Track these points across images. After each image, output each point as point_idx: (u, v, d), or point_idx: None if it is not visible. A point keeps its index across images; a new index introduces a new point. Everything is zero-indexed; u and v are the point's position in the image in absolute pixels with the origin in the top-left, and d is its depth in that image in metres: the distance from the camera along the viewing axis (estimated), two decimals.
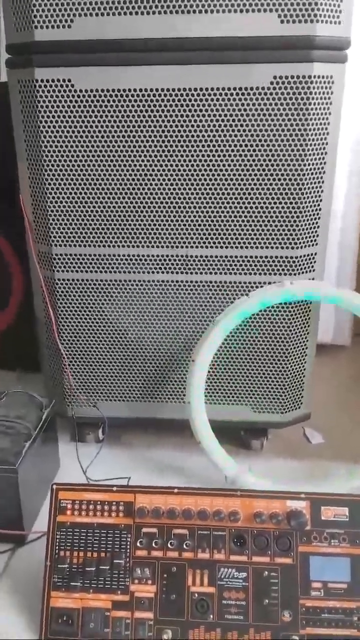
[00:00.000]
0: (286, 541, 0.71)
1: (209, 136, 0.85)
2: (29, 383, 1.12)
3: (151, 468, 1.03)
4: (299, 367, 1.00)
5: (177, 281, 0.94)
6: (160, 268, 0.94)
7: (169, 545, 0.71)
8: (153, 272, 0.94)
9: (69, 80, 0.84)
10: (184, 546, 0.71)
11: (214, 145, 0.86)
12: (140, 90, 0.84)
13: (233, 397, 1.01)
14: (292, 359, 0.98)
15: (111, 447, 1.08)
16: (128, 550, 0.71)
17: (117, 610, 0.69)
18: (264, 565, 0.70)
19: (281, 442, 1.11)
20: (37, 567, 0.73)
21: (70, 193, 0.90)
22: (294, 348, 0.98)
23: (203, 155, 0.86)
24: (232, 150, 0.86)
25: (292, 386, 1.01)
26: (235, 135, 0.85)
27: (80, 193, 0.90)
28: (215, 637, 0.68)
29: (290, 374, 0.99)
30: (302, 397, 1.03)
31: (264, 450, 1.08)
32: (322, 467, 1.03)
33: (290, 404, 1.02)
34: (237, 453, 1.03)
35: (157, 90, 0.83)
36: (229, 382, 1.00)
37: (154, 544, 0.71)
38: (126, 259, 0.94)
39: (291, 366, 0.99)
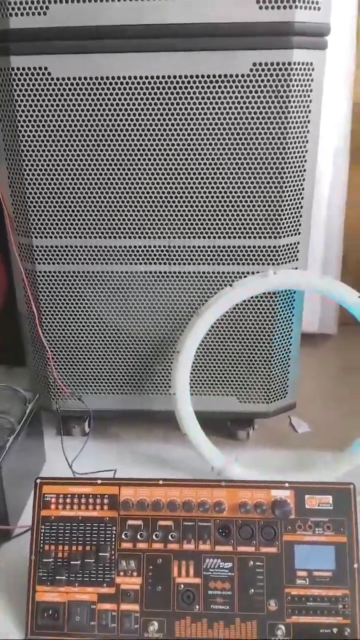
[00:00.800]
0: (271, 530, 0.71)
1: (189, 124, 0.84)
2: (14, 377, 1.12)
3: (138, 460, 1.03)
4: (284, 357, 1.00)
5: (159, 272, 0.94)
6: (142, 259, 0.93)
7: (154, 537, 0.71)
8: (135, 263, 0.93)
9: (46, 69, 0.82)
10: (169, 538, 0.71)
11: (194, 134, 0.85)
12: (119, 78, 0.82)
13: (218, 387, 1.01)
14: (276, 349, 0.98)
15: (97, 440, 1.07)
16: (113, 543, 0.71)
17: (103, 603, 0.69)
18: (249, 555, 0.70)
19: (267, 432, 1.11)
20: (22, 562, 0.73)
21: (50, 184, 0.89)
22: (279, 338, 0.98)
23: (183, 144, 0.85)
24: (213, 139, 0.85)
25: (277, 376, 1.01)
26: (216, 123, 0.84)
27: (60, 184, 0.89)
28: (202, 627, 0.68)
29: (275, 363, 0.99)
30: (287, 386, 1.03)
31: (250, 441, 1.08)
32: (308, 456, 1.04)
33: (275, 394, 1.02)
34: (224, 444, 1.04)
35: (136, 78, 0.82)
36: (214, 373, 1.00)
37: (139, 536, 0.71)
38: (108, 250, 0.93)
39: (276, 356, 0.99)
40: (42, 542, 0.71)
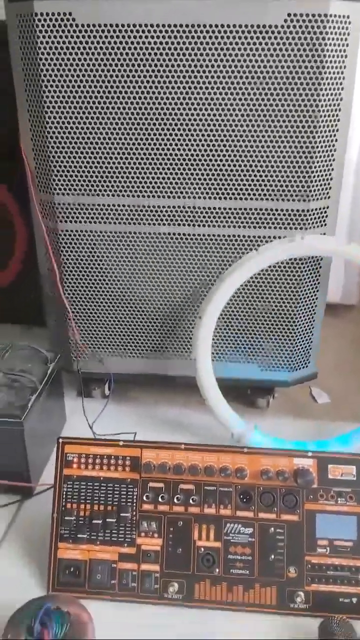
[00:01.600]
0: (293, 499, 0.70)
1: (218, 77, 0.80)
2: (33, 337, 1.11)
3: (157, 424, 1.03)
4: (308, 325, 0.98)
5: (183, 234, 0.91)
6: (165, 220, 0.90)
7: (175, 500, 0.71)
8: (158, 224, 0.91)
9: (70, 14, 0.78)
10: (190, 501, 0.71)
11: (223, 87, 0.81)
12: (147, 25, 0.78)
13: (240, 354, 1.00)
14: (300, 317, 0.96)
15: (117, 403, 1.07)
16: (134, 504, 0.71)
17: (123, 562, 0.70)
18: (270, 521, 0.70)
19: (287, 401, 1.10)
20: (44, 519, 0.74)
21: (73, 138, 0.86)
22: (303, 305, 0.95)
23: (211, 98, 0.82)
24: (242, 92, 0.81)
25: (300, 344, 0.99)
26: (247, 77, 0.80)
27: (83, 138, 0.86)
28: (221, 590, 0.68)
29: (299, 332, 0.97)
30: (309, 355, 1.01)
31: (270, 409, 1.08)
32: (328, 426, 1.03)
33: (297, 363, 1.01)
34: (243, 411, 1.03)
35: (164, 26, 0.78)
36: (236, 340, 0.98)
37: (160, 499, 0.71)
38: (131, 210, 0.90)
39: (299, 324, 0.97)
40: (64, 500, 0.72)
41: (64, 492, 0.72)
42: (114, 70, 0.81)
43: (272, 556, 0.69)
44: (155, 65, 0.80)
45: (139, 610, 0.68)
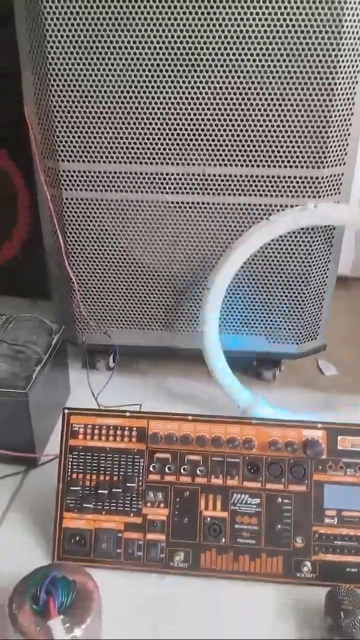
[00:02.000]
0: (301, 469, 0.70)
1: (229, 31, 0.77)
2: (39, 310, 1.10)
3: (162, 396, 1.02)
4: (318, 297, 0.96)
5: (192, 202, 0.89)
6: (174, 188, 0.88)
7: (182, 470, 0.70)
8: (167, 192, 0.88)
9: None
10: (197, 472, 0.70)
11: (234, 43, 0.77)
12: None
13: (248, 326, 0.98)
14: (311, 288, 0.94)
15: (122, 375, 1.06)
16: (141, 475, 0.71)
17: (129, 532, 0.69)
18: (278, 492, 0.69)
19: (294, 373, 1.09)
20: (49, 489, 0.73)
21: (79, 101, 0.83)
22: (314, 277, 0.93)
23: (221, 57, 0.78)
24: (255, 50, 0.78)
25: (310, 316, 0.97)
26: (259, 32, 0.76)
27: (90, 101, 0.83)
28: (228, 560, 0.68)
29: (309, 303, 0.95)
30: (318, 327, 1.00)
31: (277, 381, 1.07)
32: (335, 398, 1.02)
33: (306, 335, 0.99)
34: (249, 383, 1.02)
35: None
36: (244, 311, 0.97)
37: (167, 469, 0.71)
38: (138, 178, 0.88)
39: (310, 296, 0.95)
40: (69, 470, 0.71)
41: (70, 462, 0.71)
42: (120, 28, 0.78)
43: (279, 526, 0.68)
44: (164, 19, 0.77)
45: (145, 579, 0.68)
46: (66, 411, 0.73)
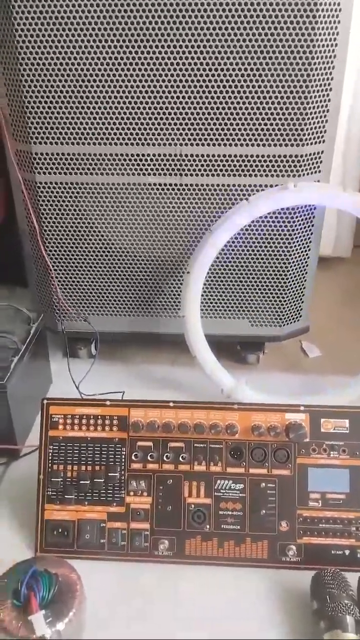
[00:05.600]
0: (284, 453, 0.69)
1: (205, 11, 0.74)
2: (16, 299, 1.07)
3: (146, 383, 1.01)
4: (300, 278, 0.95)
5: (169, 184, 0.87)
6: (150, 169, 0.86)
7: (164, 458, 0.70)
8: (143, 174, 0.86)
9: None
10: (180, 459, 0.70)
11: (207, 17, 0.75)
12: None
13: (230, 310, 0.97)
14: (293, 269, 0.93)
15: (104, 362, 1.05)
16: (123, 464, 0.69)
17: (112, 522, 0.69)
18: (261, 476, 0.69)
19: (278, 356, 1.09)
20: (31, 481, 0.72)
21: (50, 80, 0.80)
22: (296, 257, 0.92)
23: (194, 32, 0.76)
24: (231, 29, 0.75)
25: (292, 298, 0.96)
26: (236, 10, 0.74)
27: (61, 80, 0.80)
28: (212, 546, 0.68)
29: (290, 285, 0.94)
30: (301, 309, 0.99)
31: (261, 365, 1.06)
32: (319, 380, 1.01)
33: (288, 317, 0.98)
34: (233, 367, 1.01)
35: None
36: (226, 295, 0.95)
37: (149, 457, 0.70)
38: (113, 159, 0.85)
39: (291, 277, 0.94)
40: (50, 461, 0.70)
41: (50, 454, 0.70)
42: (89, 8, 0.75)
43: (264, 511, 0.68)
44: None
45: (130, 568, 0.68)
46: (45, 401, 0.72)
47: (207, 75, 0.78)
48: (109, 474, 0.69)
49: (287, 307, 0.96)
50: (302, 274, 0.95)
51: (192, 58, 0.77)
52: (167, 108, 0.81)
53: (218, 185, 0.86)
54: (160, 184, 0.87)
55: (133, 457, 0.70)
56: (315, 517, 0.67)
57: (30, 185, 0.89)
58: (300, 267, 0.94)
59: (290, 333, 1.00)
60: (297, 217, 0.88)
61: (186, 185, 0.87)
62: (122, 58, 0.78)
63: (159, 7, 0.74)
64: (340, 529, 0.67)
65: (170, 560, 0.68)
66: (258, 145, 0.83)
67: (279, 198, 0.83)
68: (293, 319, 0.98)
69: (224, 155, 0.84)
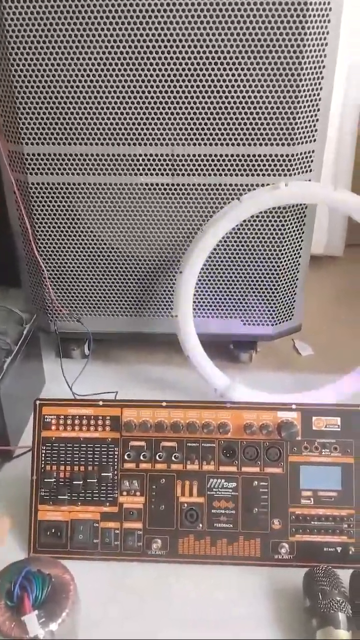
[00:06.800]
0: (276, 451, 0.69)
1: (195, 12, 0.75)
2: (9, 299, 1.07)
3: (139, 383, 1.01)
4: (292, 277, 0.95)
5: (161, 184, 0.87)
6: (143, 169, 0.86)
7: (157, 457, 0.70)
8: (135, 174, 0.86)
9: None
10: (173, 458, 0.70)
11: (199, 17, 0.75)
12: None
13: (222, 309, 0.97)
14: (284, 268, 0.93)
15: (98, 363, 1.05)
16: (116, 464, 0.70)
17: (106, 521, 0.69)
18: (254, 475, 0.69)
19: (270, 354, 1.09)
20: (24, 482, 0.72)
21: (41, 80, 0.80)
22: (287, 256, 0.92)
23: (187, 33, 0.76)
24: (221, 29, 0.75)
25: (284, 297, 0.97)
26: (226, 10, 0.74)
27: (52, 80, 0.80)
28: (205, 545, 0.68)
29: (283, 284, 0.95)
30: (293, 308, 0.99)
31: (253, 363, 1.06)
32: (312, 379, 1.02)
33: (281, 316, 0.98)
34: (226, 367, 1.01)
35: None
36: (218, 294, 0.96)
37: (142, 457, 0.70)
38: (106, 160, 0.85)
39: (283, 276, 0.94)
40: (43, 462, 0.70)
41: (43, 455, 0.70)
42: (81, 6, 0.75)
43: (256, 509, 0.68)
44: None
45: (123, 568, 0.68)
46: (37, 402, 0.72)
47: (198, 75, 0.79)
48: (102, 474, 0.69)
49: (279, 306, 0.97)
50: (294, 273, 0.95)
51: (184, 58, 0.78)
52: (159, 108, 0.81)
53: (210, 185, 0.86)
54: (152, 184, 0.87)
55: (126, 457, 0.70)
56: (307, 515, 0.68)
57: (22, 186, 0.89)
58: (292, 266, 0.94)
59: (283, 332, 1.01)
60: (288, 216, 0.88)
61: (178, 185, 0.87)
62: (113, 58, 0.78)
63: (149, 7, 0.75)
64: (332, 526, 0.67)
65: (163, 560, 0.68)
66: (249, 144, 0.83)
67: (270, 197, 0.83)
68: (285, 317, 0.99)
69: (216, 155, 0.84)
